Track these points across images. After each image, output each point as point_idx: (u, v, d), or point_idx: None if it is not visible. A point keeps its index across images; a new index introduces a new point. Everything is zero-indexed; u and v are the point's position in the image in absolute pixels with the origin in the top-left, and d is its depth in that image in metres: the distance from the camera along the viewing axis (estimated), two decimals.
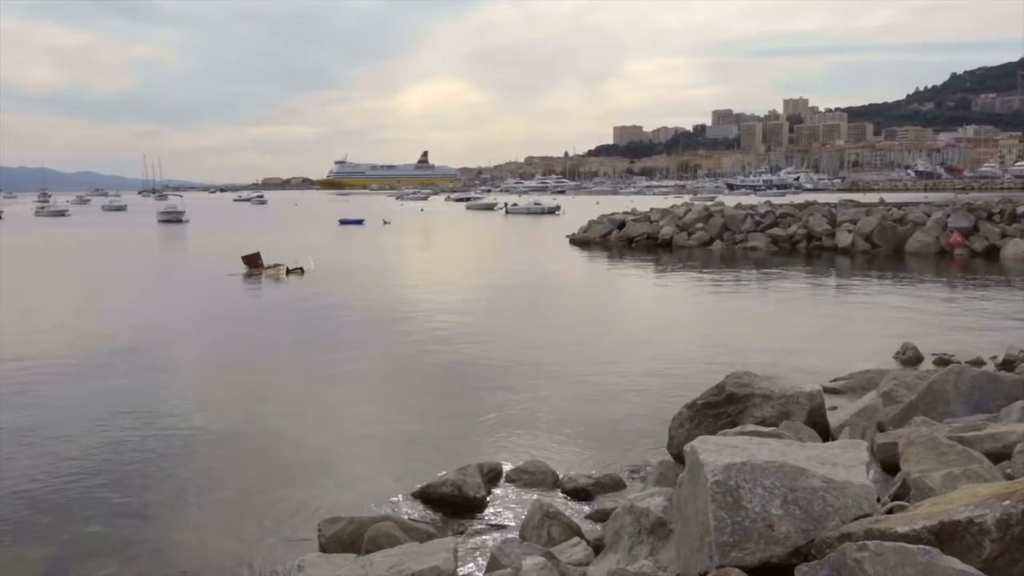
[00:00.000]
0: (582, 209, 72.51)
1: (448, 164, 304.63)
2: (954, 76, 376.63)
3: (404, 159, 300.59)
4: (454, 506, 7.94)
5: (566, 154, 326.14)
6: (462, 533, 7.30)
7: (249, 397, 12.52)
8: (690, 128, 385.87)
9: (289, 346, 16.64)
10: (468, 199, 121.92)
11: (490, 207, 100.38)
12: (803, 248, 37.22)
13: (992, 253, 32.47)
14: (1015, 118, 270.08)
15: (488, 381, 13.16)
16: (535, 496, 7.88)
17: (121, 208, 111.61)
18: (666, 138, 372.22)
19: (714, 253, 37.45)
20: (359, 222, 68.42)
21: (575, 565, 5.83)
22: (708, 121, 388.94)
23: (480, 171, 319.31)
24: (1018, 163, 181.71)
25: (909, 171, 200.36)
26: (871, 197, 63.92)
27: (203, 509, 8.11)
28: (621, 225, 43.68)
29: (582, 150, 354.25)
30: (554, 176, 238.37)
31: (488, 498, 8.16)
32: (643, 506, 5.64)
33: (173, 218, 72.58)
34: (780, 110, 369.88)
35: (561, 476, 8.60)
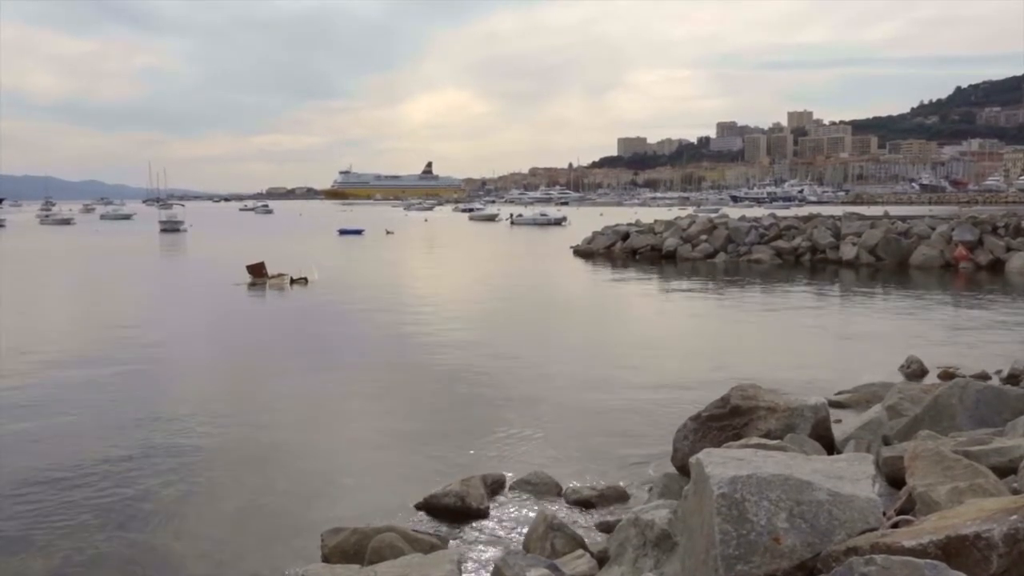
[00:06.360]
0: (586, 220, 72.65)
1: (452, 175, 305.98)
2: (959, 90, 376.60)
3: (408, 169, 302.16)
4: (458, 517, 7.92)
5: (570, 165, 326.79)
6: (466, 544, 7.29)
7: (252, 407, 12.52)
8: (694, 140, 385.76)
9: (293, 356, 16.65)
10: (471, 210, 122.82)
11: (492, 217, 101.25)
12: (807, 261, 37.20)
13: (997, 267, 32.44)
14: (1020, 132, 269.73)
15: (491, 392, 13.15)
16: (539, 507, 7.87)
17: (125, 217, 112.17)
18: (670, 150, 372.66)
19: (718, 265, 37.44)
20: (358, 232, 68.75)
21: None
22: (712, 133, 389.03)
23: (484, 182, 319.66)
24: (1022, 176, 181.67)
25: (914, 184, 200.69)
26: (875, 210, 63.80)
27: (205, 519, 8.10)
28: (625, 236, 43.74)
29: (586, 161, 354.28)
30: (558, 187, 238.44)
31: (492, 509, 8.14)
32: (648, 518, 5.63)
33: (172, 227, 74.37)
34: (784, 122, 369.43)
35: (565, 487, 8.59)
